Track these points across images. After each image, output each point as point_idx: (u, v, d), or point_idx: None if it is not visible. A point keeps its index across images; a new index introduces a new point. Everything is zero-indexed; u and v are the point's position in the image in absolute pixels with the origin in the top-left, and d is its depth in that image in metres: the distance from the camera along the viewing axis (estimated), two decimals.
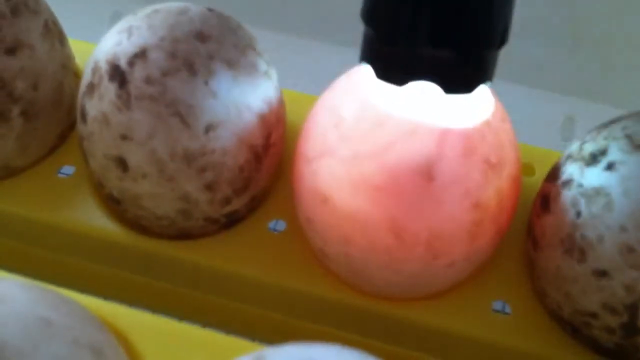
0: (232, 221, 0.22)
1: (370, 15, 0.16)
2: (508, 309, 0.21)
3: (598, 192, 0.18)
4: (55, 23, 0.23)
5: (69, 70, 0.24)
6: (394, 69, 0.17)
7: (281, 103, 0.22)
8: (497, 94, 0.19)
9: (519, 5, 0.17)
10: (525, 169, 0.24)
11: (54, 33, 0.23)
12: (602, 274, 0.18)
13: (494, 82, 0.17)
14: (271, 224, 0.22)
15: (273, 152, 0.21)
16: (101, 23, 0.35)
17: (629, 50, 0.32)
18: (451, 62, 0.16)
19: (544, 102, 0.33)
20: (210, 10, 0.20)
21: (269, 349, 0.15)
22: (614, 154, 0.18)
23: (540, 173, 0.24)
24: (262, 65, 0.21)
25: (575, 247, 0.18)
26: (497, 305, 0.21)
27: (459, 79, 0.16)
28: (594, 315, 0.19)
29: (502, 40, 0.16)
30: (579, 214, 0.18)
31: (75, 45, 0.25)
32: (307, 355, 0.15)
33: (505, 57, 0.18)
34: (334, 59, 0.33)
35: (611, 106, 0.32)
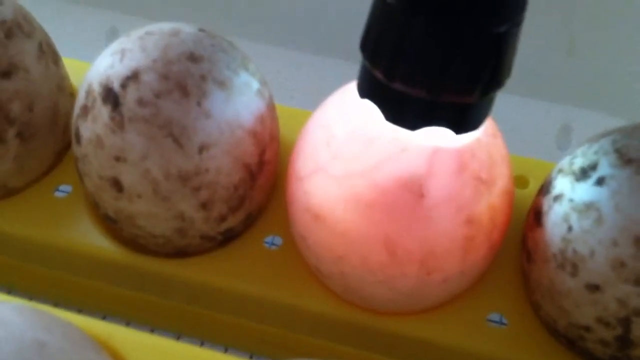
0: (228, 238, 0.22)
1: (389, 65, 0.15)
2: (504, 321, 0.21)
3: (589, 207, 0.18)
4: (49, 44, 0.23)
5: (63, 90, 0.24)
6: (407, 114, 0.16)
7: (275, 120, 0.22)
8: None
9: None
10: (519, 181, 0.24)
11: (48, 54, 0.23)
12: (594, 288, 0.18)
13: None
14: (267, 240, 0.23)
15: (267, 169, 0.21)
16: (98, 39, 0.35)
17: (624, 58, 0.32)
18: (468, 107, 0.16)
19: (539, 111, 0.33)
20: (202, 30, 0.21)
21: None
22: (604, 169, 0.18)
23: (535, 185, 0.24)
24: (255, 84, 0.21)
25: (567, 261, 0.18)
26: (493, 317, 0.21)
27: (471, 120, 0.16)
28: (587, 328, 0.19)
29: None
30: (570, 228, 0.18)
31: (70, 64, 0.25)
32: None
33: None
34: (330, 73, 0.34)
35: (607, 114, 0.32)
